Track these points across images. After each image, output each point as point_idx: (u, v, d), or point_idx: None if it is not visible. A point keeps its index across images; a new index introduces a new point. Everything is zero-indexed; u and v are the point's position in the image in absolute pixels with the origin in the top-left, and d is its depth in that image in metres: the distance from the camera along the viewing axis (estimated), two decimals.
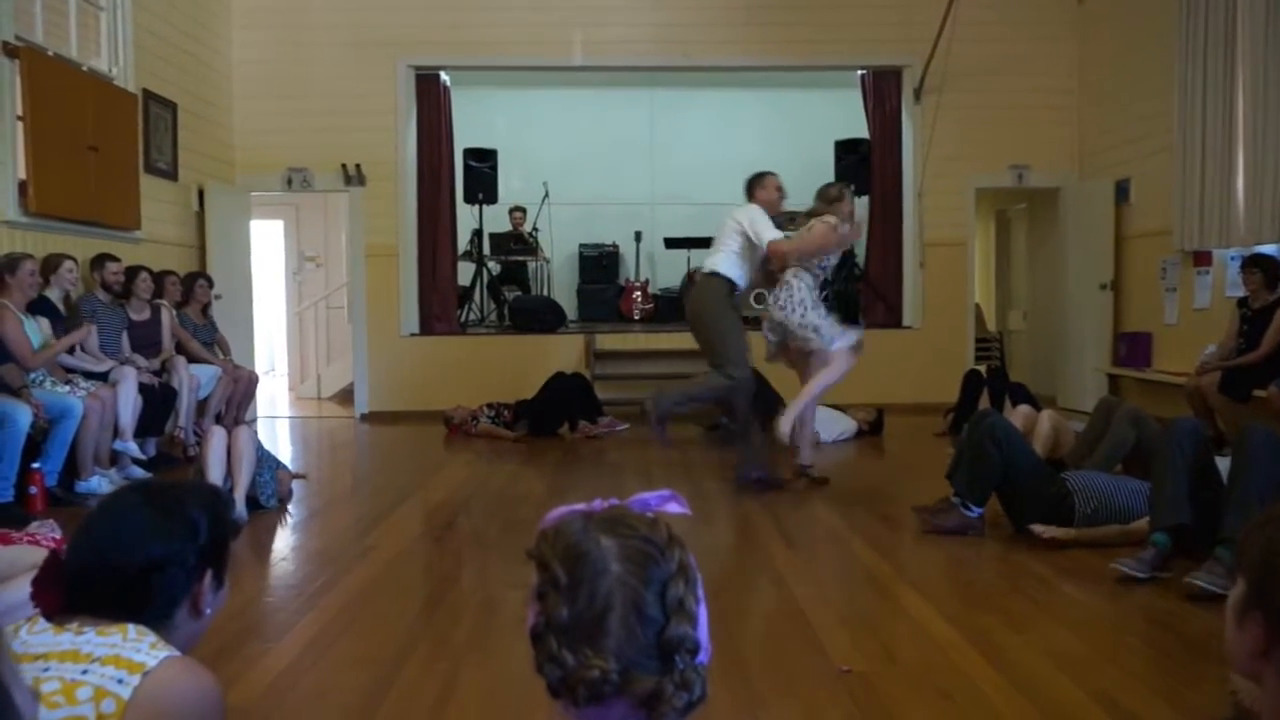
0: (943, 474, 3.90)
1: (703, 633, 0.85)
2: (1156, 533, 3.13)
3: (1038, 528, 3.51)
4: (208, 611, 1.36)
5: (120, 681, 1.16)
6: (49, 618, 1.25)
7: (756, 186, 5.07)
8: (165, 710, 1.17)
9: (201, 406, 5.97)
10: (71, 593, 1.27)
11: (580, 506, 0.89)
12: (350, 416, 8.09)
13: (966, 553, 3.58)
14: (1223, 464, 3.14)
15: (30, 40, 5.23)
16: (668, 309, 8.59)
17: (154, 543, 1.28)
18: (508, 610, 2.87)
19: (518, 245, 8.97)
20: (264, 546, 3.87)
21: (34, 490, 4.17)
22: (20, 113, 5.01)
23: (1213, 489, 3.10)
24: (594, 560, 0.82)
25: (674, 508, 0.92)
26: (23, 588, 2.28)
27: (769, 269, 4.90)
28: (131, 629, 1.23)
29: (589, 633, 0.80)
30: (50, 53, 5.42)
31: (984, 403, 6.47)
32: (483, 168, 8.62)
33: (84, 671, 1.16)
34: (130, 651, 1.20)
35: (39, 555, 2.56)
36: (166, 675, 1.19)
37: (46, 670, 1.16)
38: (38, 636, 1.22)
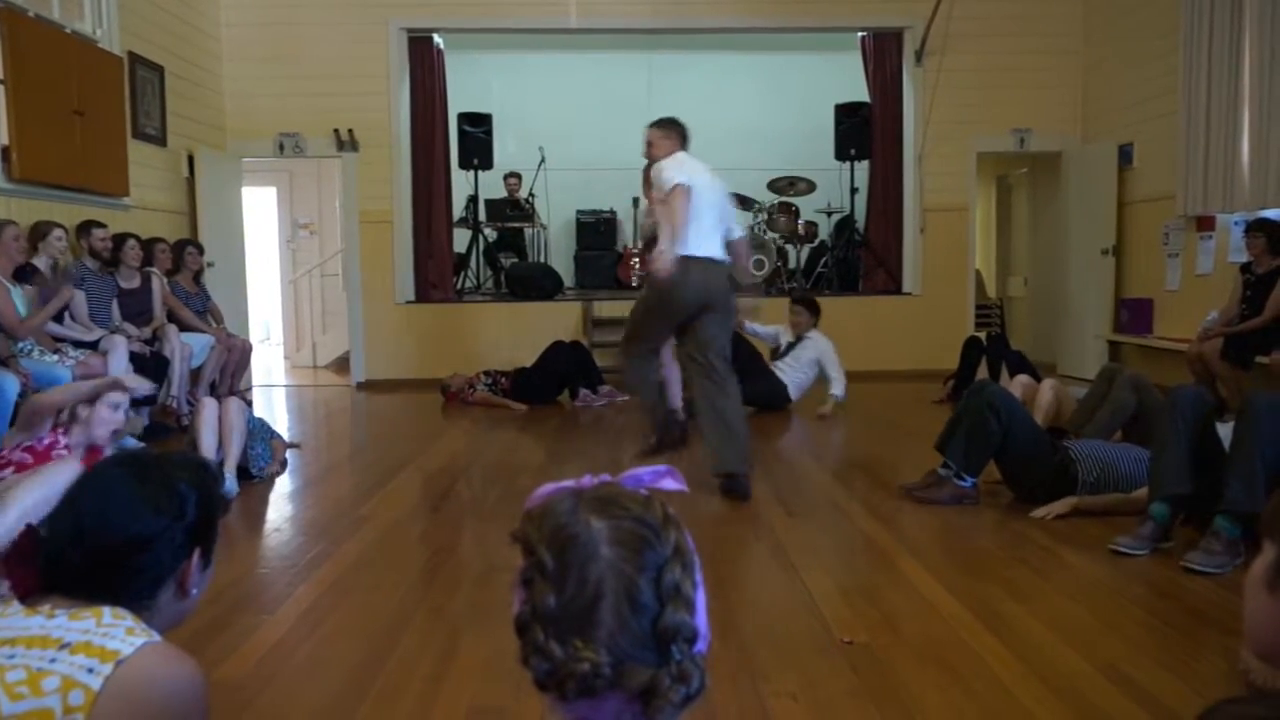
0: (936, 442, 3.86)
1: (701, 620, 0.79)
2: (1155, 503, 3.10)
3: (1037, 513, 3.49)
4: (194, 592, 1.30)
5: (90, 671, 1.09)
6: (23, 599, 1.18)
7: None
8: (139, 702, 1.10)
9: (195, 375, 5.92)
10: (49, 571, 1.20)
11: (569, 484, 0.83)
12: (346, 385, 8.05)
13: (966, 521, 3.55)
14: (1224, 431, 3.10)
15: (10, 1, 5.10)
16: None
17: (140, 519, 1.22)
18: (506, 581, 2.83)
19: (514, 211, 8.87)
20: (258, 517, 3.84)
21: None
22: (1, 76, 4.90)
23: (1214, 457, 3.07)
24: (583, 544, 0.76)
25: (670, 484, 0.86)
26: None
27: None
28: (107, 613, 1.16)
29: (578, 622, 0.74)
30: (31, 14, 5.29)
31: (983, 370, 6.43)
32: (477, 133, 8.50)
33: (52, 660, 1.09)
34: (102, 638, 1.12)
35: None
36: (142, 664, 1.12)
37: (12, 657, 1.09)
38: (7, 620, 1.15)
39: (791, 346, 6.19)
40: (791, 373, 6.14)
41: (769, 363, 6.20)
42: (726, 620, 2.48)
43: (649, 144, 4.19)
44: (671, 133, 4.18)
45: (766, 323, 6.23)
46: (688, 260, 3.88)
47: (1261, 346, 5.24)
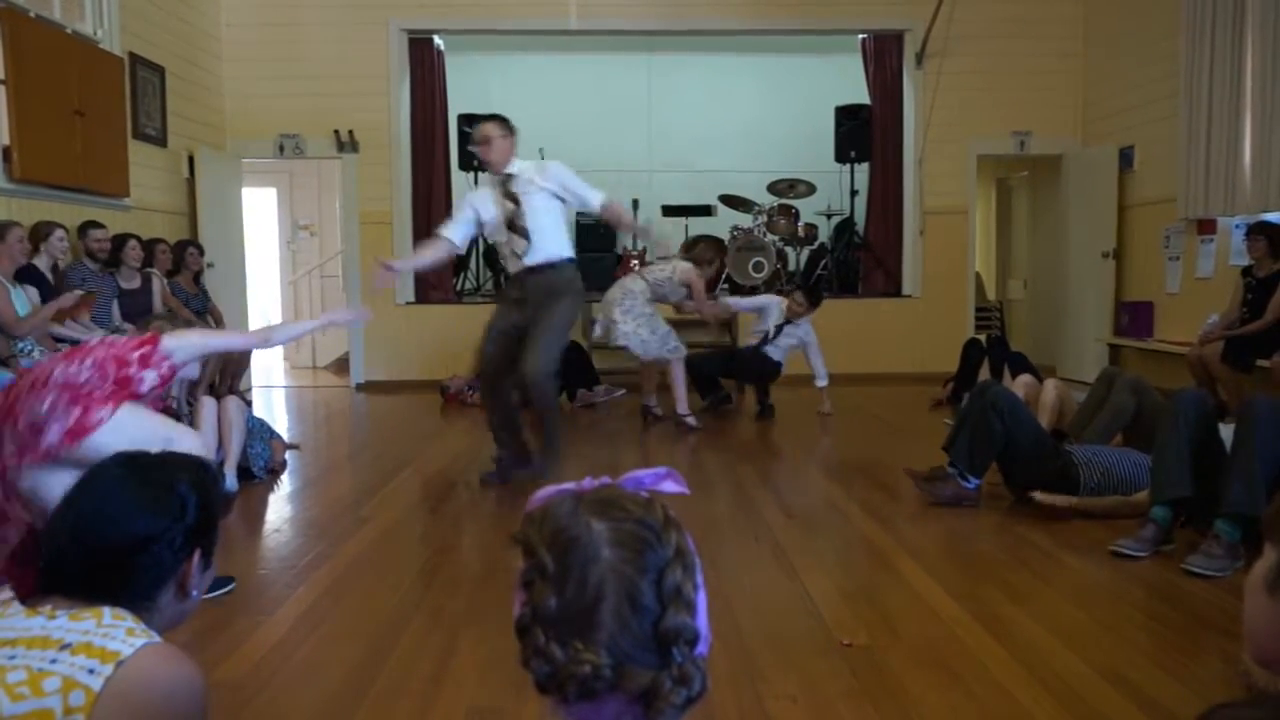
0: (944, 443, 3.86)
1: (702, 622, 0.79)
2: (1156, 506, 3.10)
3: (1039, 495, 3.48)
4: (195, 593, 1.30)
5: (91, 672, 1.09)
6: (24, 600, 1.18)
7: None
8: (139, 703, 1.10)
9: None
10: (49, 572, 1.20)
11: (570, 486, 0.83)
12: (346, 386, 8.05)
13: (966, 524, 3.55)
14: (1226, 434, 3.10)
15: (11, 1, 5.10)
16: None
17: (139, 520, 1.22)
18: (505, 582, 2.83)
19: None
20: (257, 517, 3.84)
21: None
22: (2, 76, 4.89)
23: (1216, 460, 3.06)
24: (584, 546, 0.76)
25: (670, 486, 0.86)
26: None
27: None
28: (107, 613, 1.16)
29: (579, 625, 0.74)
30: (32, 14, 5.28)
31: (984, 372, 6.42)
32: None
33: (53, 660, 1.09)
34: (102, 639, 1.12)
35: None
36: (142, 665, 1.11)
37: (13, 658, 1.09)
38: (8, 620, 1.15)
39: (779, 330, 6.20)
40: (775, 352, 6.19)
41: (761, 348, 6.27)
42: (727, 622, 2.48)
43: (488, 139, 4.14)
44: (512, 135, 4.20)
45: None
46: None
47: (1262, 349, 5.24)
